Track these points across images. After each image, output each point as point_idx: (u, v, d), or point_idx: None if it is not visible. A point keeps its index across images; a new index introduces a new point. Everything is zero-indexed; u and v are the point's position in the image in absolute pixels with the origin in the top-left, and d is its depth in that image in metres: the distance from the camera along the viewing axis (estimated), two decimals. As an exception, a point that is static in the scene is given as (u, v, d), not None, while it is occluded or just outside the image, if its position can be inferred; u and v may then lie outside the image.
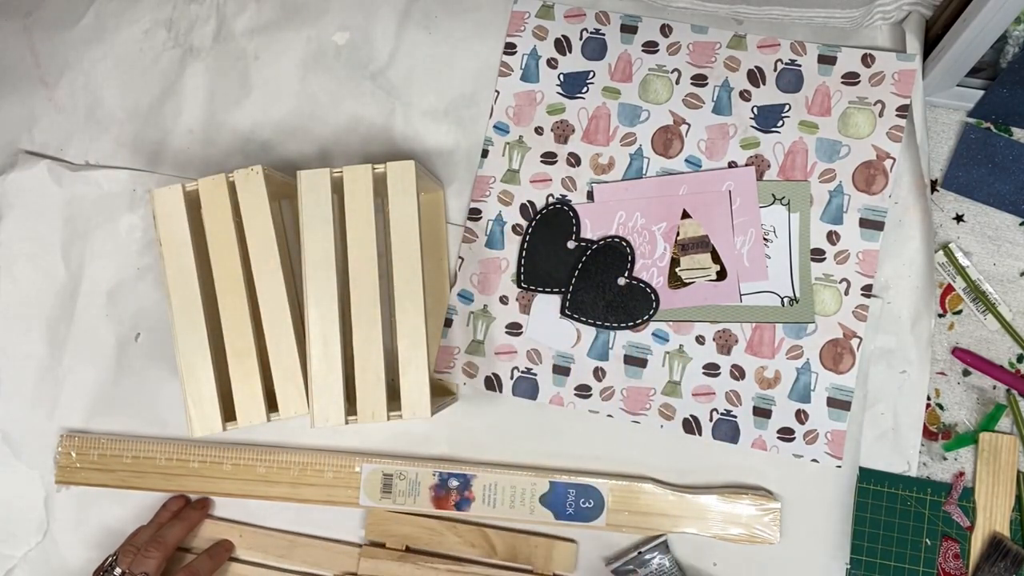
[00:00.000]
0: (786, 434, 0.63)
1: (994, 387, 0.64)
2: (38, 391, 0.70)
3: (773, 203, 0.64)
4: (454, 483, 0.64)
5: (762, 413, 0.63)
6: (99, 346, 0.70)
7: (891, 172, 0.64)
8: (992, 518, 0.61)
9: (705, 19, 0.67)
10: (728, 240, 0.64)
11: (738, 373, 0.64)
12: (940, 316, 0.65)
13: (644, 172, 0.66)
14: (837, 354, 0.63)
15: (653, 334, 0.65)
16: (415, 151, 0.69)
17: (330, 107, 0.70)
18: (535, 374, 0.65)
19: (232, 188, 0.59)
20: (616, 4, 0.68)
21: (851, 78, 0.65)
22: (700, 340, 0.64)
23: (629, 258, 0.65)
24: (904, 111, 0.64)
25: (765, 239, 0.64)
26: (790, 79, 0.66)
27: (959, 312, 0.65)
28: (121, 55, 0.73)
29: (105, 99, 0.73)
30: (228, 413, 0.58)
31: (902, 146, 0.64)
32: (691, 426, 0.64)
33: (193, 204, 0.60)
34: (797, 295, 0.64)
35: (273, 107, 0.71)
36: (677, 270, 0.65)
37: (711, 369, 0.64)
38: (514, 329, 0.66)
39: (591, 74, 0.68)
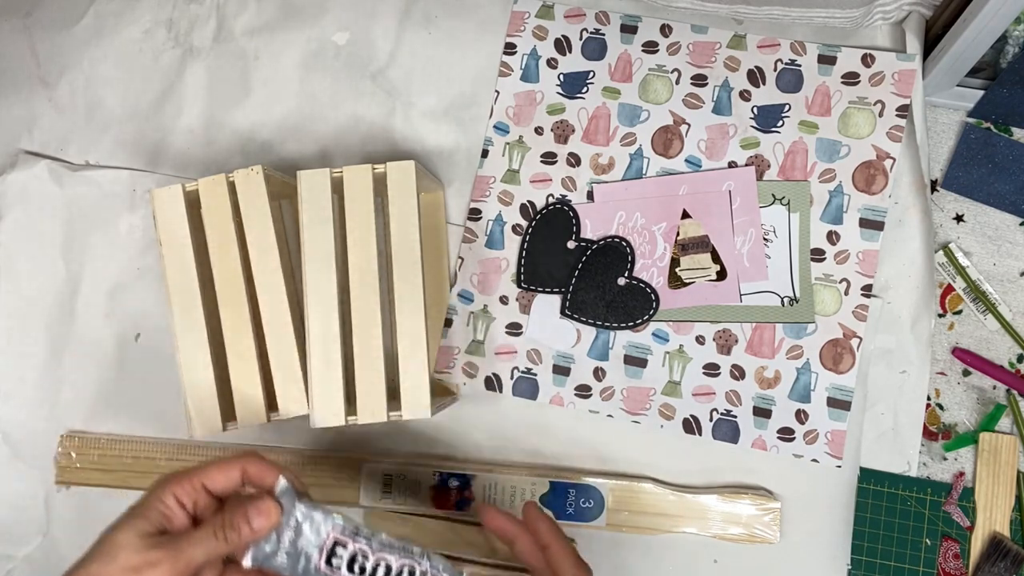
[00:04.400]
0: (786, 434, 0.63)
1: (994, 387, 0.64)
2: (38, 391, 0.70)
3: (773, 203, 0.64)
4: (454, 483, 0.64)
5: (762, 413, 0.63)
6: (99, 346, 0.69)
7: (891, 172, 0.64)
8: (992, 518, 0.61)
9: (705, 19, 0.67)
10: (728, 240, 0.64)
11: (738, 373, 0.64)
12: (940, 316, 0.65)
13: (644, 172, 0.66)
14: (837, 354, 0.63)
15: (653, 334, 0.65)
16: (415, 151, 0.69)
17: (330, 107, 0.70)
18: (535, 374, 0.65)
19: (232, 188, 0.59)
20: (616, 4, 0.68)
21: (851, 78, 0.65)
22: (700, 340, 0.64)
23: (629, 258, 0.65)
24: (904, 111, 0.64)
25: (765, 239, 0.64)
26: (790, 79, 0.65)
27: (959, 312, 0.65)
28: (121, 55, 0.73)
29: (105, 99, 0.73)
30: (228, 413, 0.58)
31: (902, 146, 0.64)
32: (691, 426, 0.64)
33: (193, 204, 0.59)
34: (797, 295, 0.64)
35: (273, 107, 0.71)
36: (677, 270, 0.65)
37: (711, 369, 0.64)
38: (514, 329, 0.66)
39: (591, 74, 0.67)
